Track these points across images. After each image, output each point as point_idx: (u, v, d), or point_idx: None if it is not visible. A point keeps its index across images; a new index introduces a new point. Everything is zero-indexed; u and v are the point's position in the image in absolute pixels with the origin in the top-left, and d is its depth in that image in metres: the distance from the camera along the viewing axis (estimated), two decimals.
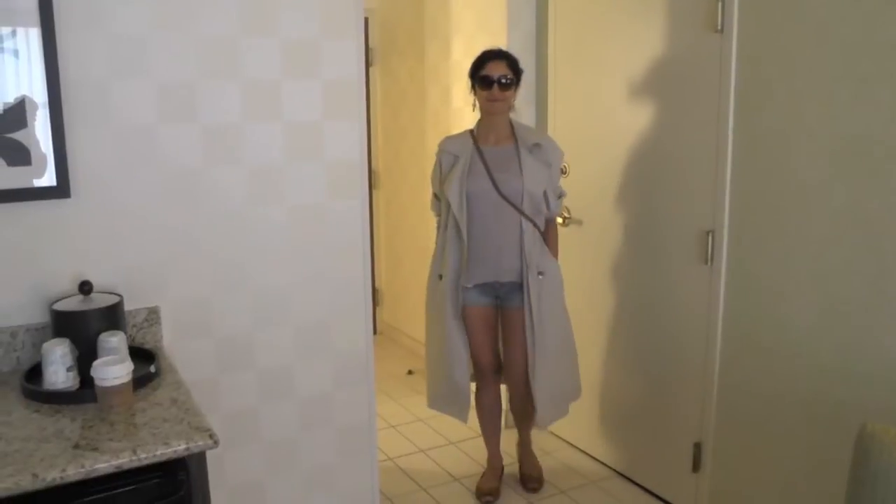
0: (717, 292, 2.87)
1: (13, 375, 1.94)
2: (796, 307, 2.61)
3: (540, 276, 2.98)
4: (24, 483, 1.44)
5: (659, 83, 3.06)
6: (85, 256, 2.05)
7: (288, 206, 2.33)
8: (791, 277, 2.61)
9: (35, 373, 1.90)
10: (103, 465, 1.51)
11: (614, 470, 3.50)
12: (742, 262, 2.79)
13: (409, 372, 4.77)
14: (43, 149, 1.95)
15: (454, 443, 3.82)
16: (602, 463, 3.57)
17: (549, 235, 3.11)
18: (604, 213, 3.39)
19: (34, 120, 1.94)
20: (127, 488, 1.57)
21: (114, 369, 1.70)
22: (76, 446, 1.56)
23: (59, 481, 1.47)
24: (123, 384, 1.72)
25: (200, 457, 1.66)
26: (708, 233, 2.88)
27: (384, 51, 5.12)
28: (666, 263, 3.09)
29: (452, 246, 2.99)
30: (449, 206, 2.97)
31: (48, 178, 1.97)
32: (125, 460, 1.53)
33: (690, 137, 2.94)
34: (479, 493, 3.25)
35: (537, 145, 2.95)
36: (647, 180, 3.16)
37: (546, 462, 3.55)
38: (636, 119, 3.18)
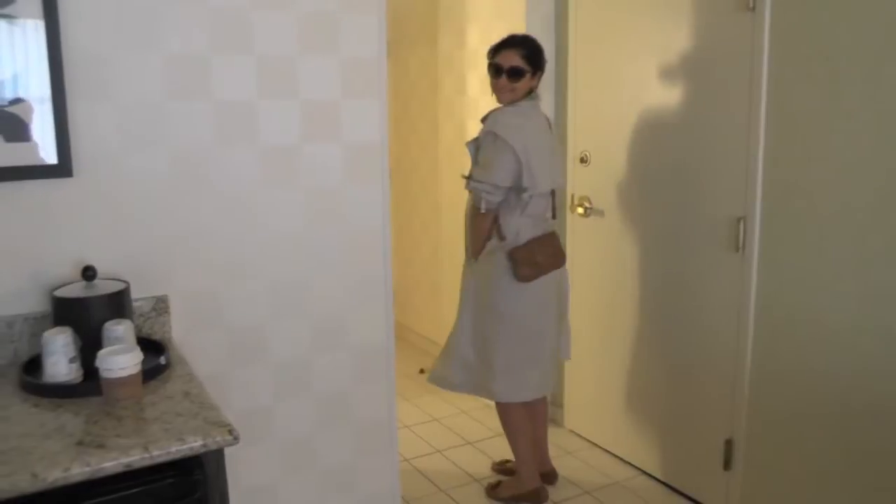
0: (749, 281, 2.74)
1: (10, 368, 1.80)
2: (834, 296, 2.47)
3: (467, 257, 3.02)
4: (23, 484, 1.30)
5: (687, 65, 2.93)
6: (87, 240, 1.91)
7: (304, 190, 2.19)
8: (829, 265, 2.48)
9: (34, 365, 1.76)
10: (111, 463, 1.37)
11: (640, 469, 3.36)
12: (775, 249, 2.65)
13: (421, 371, 4.63)
14: (43, 124, 1.81)
15: (471, 442, 3.68)
16: (627, 462, 3.43)
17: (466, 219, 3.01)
18: (628, 202, 3.25)
19: (34, 93, 1.79)
20: (137, 489, 1.43)
21: (121, 359, 1.56)
22: (80, 443, 1.42)
23: (61, 482, 1.33)
24: (131, 376, 1.58)
25: (218, 454, 1.52)
26: (739, 220, 2.75)
27: (393, 40, 4.98)
28: (695, 252, 2.96)
29: None
30: None
31: (49, 156, 1.82)
32: (136, 458, 1.39)
33: (720, 121, 2.80)
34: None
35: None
36: (674, 167, 3.02)
37: (568, 462, 3.41)
38: (663, 103, 3.04)
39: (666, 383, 3.16)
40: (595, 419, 3.56)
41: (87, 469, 1.35)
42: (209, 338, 2.11)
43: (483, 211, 2.82)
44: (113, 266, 1.93)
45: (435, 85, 4.46)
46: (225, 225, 2.09)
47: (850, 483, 2.47)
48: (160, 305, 2.01)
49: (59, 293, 1.78)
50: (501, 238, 2.86)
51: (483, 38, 3.91)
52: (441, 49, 4.35)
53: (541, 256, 2.85)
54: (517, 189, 2.80)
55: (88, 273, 1.80)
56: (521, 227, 2.86)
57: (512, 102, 2.85)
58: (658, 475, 3.26)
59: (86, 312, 1.75)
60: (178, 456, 1.43)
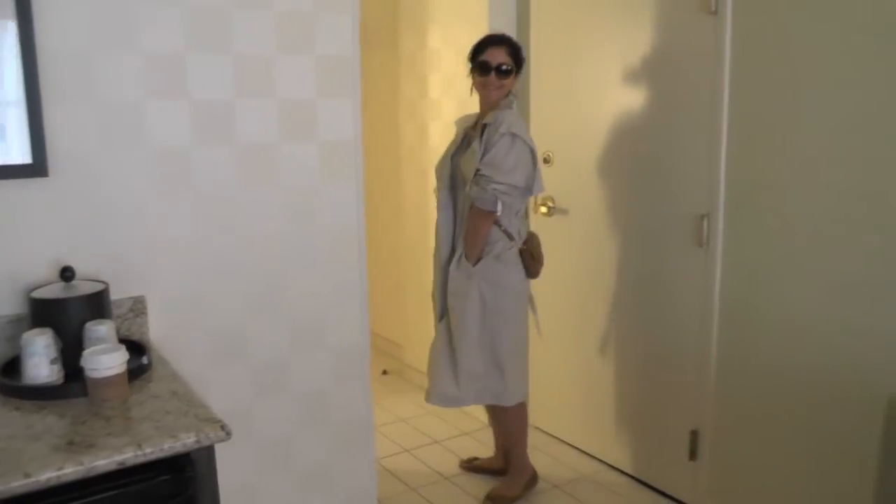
0: (713, 276, 2.82)
1: None
2: (797, 287, 2.56)
3: (458, 255, 2.93)
4: (16, 484, 1.28)
5: (650, 67, 3.00)
6: (63, 241, 1.88)
7: (281, 189, 2.19)
8: (791, 258, 2.57)
9: (10, 368, 1.73)
10: (104, 461, 1.36)
11: (607, 464, 3.41)
12: (738, 244, 2.73)
13: (384, 372, 4.63)
14: (17, 123, 1.78)
15: (438, 441, 3.69)
16: (594, 457, 3.48)
17: (467, 218, 2.90)
18: (592, 200, 3.31)
19: (8, 93, 1.76)
20: (130, 488, 1.41)
21: (107, 358, 1.55)
22: (71, 443, 1.40)
23: (55, 481, 1.32)
24: (118, 375, 1.57)
25: (209, 451, 1.51)
26: (703, 216, 2.82)
27: None
28: (659, 249, 3.03)
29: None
30: None
31: (23, 155, 1.80)
32: (129, 456, 1.38)
33: (683, 121, 2.88)
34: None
35: (486, 125, 2.84)
36: (639, 165, 3.09)
37: (535, 458, 3.42)
38: (627, 104, 3.11)
39: (632, 378, 3.22)
40: (561, 416, 3.61)
41: (81, 468, 1.34)
42: (187, 338, 2.10)
43: (498, 213, 2.79)
44: (89, 267, 1.91)
45: (395, 87, 4.47)
46: (203, 225, 2.08)
47: (814, 470, 2.56)
48: (137, 306, 1.99)
49: (37, 294, 1.75)
50: (511, 239, 2.89)
51: (445, 40, 3.94)
52: (402, 51, 4.37)
53: (539, 253, 2.96)
54: (526, 191, 2.84)
55: (67, 274, 1.78)
56: (520, 228, 2.93)
57: (498, 101, 2.86)
58: (625, 469, 3.32)
59: (65, 314, 1.73)
60: (170, 453, 1.43)
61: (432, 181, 4.08)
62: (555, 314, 3.54)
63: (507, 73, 2.83)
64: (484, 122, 2.84)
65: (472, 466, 3.39)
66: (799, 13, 2.46)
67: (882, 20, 2.25)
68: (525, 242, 2.92)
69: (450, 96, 3.95)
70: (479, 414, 3.85)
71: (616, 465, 3.37)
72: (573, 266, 3.42)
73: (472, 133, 2.92)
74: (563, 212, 3.46)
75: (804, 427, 2.58)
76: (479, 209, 2.80)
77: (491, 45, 2.86)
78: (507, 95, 2.88)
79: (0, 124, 1.77)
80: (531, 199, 3.55)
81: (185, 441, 1.44)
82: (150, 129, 1.96)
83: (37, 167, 1.81)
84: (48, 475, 1.31)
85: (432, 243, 4.04)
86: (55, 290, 1.76)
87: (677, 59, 2.89)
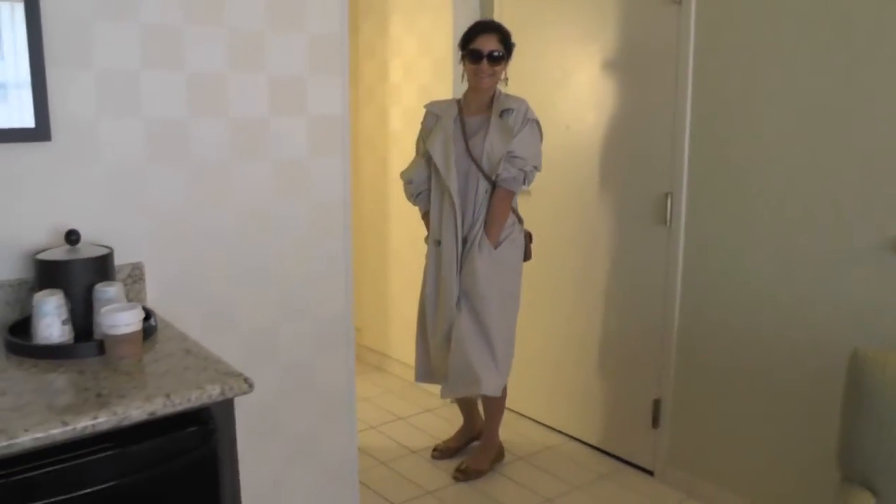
0: (676, 252, 2.97)
1: None
2: (755, 261, 2.73)
3: (479, 240, 2.96)
4: (55, 431, 1.31)
5: (615, 53, 3.13)
6: (64, 206, 1.89)
7: (271, 162, 2.23)
8: (750, 233, 2.73)
9: (17, 330, 1.73)
10: (136, 410, 1.39)
11: (569, 436, 3.54)
12: (701, 221, 2.89)
13: None
14: (21, 87, 1.78)
15: (402, 418, 3.77)
16: (556, 430, 3.61)
17: (492, 201, 2.97)
18: (557, 181, 3.42)
19: (12, 56, 1.76)
20: (156, 440, 1.45)
21: (124, 316, 1.57)
22: (99, 395, 1.43)
23: (90, 430, 1.35)
24: (134, 333, 1.60)
25: (228, 405, 1.56)
26: (666, 195, 2.97)
27: None
28: (624, 227, 3.17)
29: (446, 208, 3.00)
30: (433, 170, 3.01)
31: (26, 119, 1.80)
32: (158, 406, 1.42)
33: (648, 105, 3.02)
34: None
35: (508, 110, 2.94)
36: (604, 148, 3.22)
37: (500, 434, 3.55)
38: (592, 89, 3.24)
39: (595, 353, 3.36)
40: (525, 392, 3.71)
41: (115, 417, 1.37)
42: (180, 307, 2.11)
43: (528, 190, 3.00)
44: (89, 232, 1.92)
45: (355, 72, 4.51)
46: (197, 195, 2.11)
47: (771, 431, 2.73)
48: (136, 272, 2.01)
49: (44, 256, 1.75)
50: (521, 221, 3.05)
51: (407, 27, 4.01)
52: (362, 38, 4.41)
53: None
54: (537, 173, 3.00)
55: (73, 237, 1.79)
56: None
57: (492, 87, 2.96)
58: (588, 440, 3.46)
59: (72, 276, 1.74)
60: (197, 404, 1.47)
61: (391, 165, 4.15)
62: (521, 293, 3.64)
63: (498, 60, 2.92)
64: (506, 107, 2.92)
65: (446, 452, 3.39)
66: (759, 4, 2.62)
67: (835, 9, 2.42)
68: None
69: (410, 80, 4.02)
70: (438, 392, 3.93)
71: (579, 437, 3.50)
72: (537, 245, 3.53)
73: (473, 120, 2.98)
74: (526, 193, 3.56)
75: (762, 391, 2.75)
76: (507, 191, 2.94)
77: (481, 32, 2.94)
78: (499, 82, 2.98)
79: (3, 87, 1.77)
80: None
81: (210, 392, 1.48)
82: (147, 99, 1.98)
83: (40, 131, 1.81)
84: (84, 423, 1.34)
85: (390, 228, 4.09)
86: (61, 253, 1.77)
87: (642, 47, 3.03)
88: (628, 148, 3.12)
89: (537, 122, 2.97)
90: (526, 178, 2.95)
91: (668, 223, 2.98)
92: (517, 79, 3.15)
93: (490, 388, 3.02)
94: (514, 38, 3.00)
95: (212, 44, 2.07)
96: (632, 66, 3.08)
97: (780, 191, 2.63)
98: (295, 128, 2.26)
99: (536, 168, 2.97)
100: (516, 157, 2.89)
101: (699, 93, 2.84)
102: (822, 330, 2.56)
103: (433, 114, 3.08)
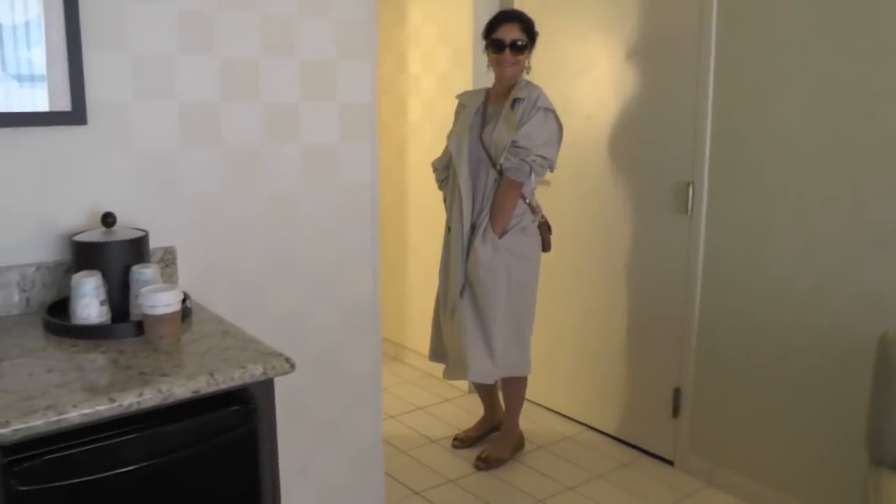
0: (697, 241, 2.97)
1: (26, 317, 1.78)
2: (776, 249, 2.73)
3: (484, 228, 2.97)
4: (102, 408, 1.32)
5: (637, 42, 3.13)
6: (99, 189, 1.90)
7: (301, 147, 2.24)
8: (771, 221, 2.73)
9: (55, 311, 1.74)
10: (180, 388, 1.40)
11: (587, 425, 3.55)
12: (722, 210, 2.89)
13: None
14: (57, 70, 1.79)
15: (421, 408, 3.78)
16: (574, 420, 3.61)
17: (497, 190, 2.96)
18: (579, 171, 3.43)
19: (49, 39, 1.77)
20: (198, 418, 1.46)
21: (165, 296, 1.58)
22: (142, 373, 1.44)
23: (136, 407, 1.36)
24: (174, 313, 1.61)
25: (268, 385, 1.57)
26: (688, 184, 2.97)
27: None
28: (645, 216, 3.17)
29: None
30: (450, 158, 3.04)
31: (62, 103, 1.81)
32: (202, 384, 1.43)
33: (669, 94, 3.02)
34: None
35: (519, 99, 2.94)
36: (624, 137, 3.22)
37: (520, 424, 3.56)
38: (613, 79, 3.24)
39: (615, 342, 3.36)
40: (544, 383, 3.72)
41: (160, 395, 1.38)
42: (211, 291, 2.12)
43: (532, 184, 2.94)
44: (124, 215, 1.92)
45: None
46: (229, 180, 2.12)
47: (793, 418, 2.73)
48: (168, 256, 2.02)
49: (80, 238, 1.77)
50: (535, 212, 3.02)
51: (426, 16, 4.01)
52: (379, 27, 4.39)
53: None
54: (551, 165, 2.97)
55: (109, 220, 1.80)
56: (537, 201, 3.05)
57: (515, 76, 2.96)
58: (607, 430, 3.46)
59: (108, 258, 1.75)
60: (239, 383, 1.48)
61: (409, 156, 4.16)
62: (539, 283, 3.64)
63: (521, 49, 2.93)
64: (517, 96, 2.91)
65: (466, 441, 3.39)
66: None
67: None
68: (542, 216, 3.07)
69: (429, 71, 4.02)
70: (457, 382, 3.95)
71: (598, 427, 3.51)
72: (558, 235, 3.53)
73: (493, 108, 3.00)
74: (545, 183, 3.56)
75: (784, 379, 2.75)
76: (511, 181, 2.90)
77: (504, 21, 2.95)
78: (523, 71, 2.98)
79: (40, 69, 1.77)
80: None
81: (252, 372, 1.49)
82: (181, 83, 1.99)
83: (76, 114, 1.82)
84: (130, 400, 1.35)
85: (408, 218, 4.11)
86: (97, 235, 1.78)
87: (664, 35, 3.03)
88: (649, 137, 3.12)
89: (551, 111, 2.92)
90: (532, 169, 2.87)
91: (689, 212, 2.98)
92: (538, 68, 3.15)
93: (478, 375, 3.05)
94: (536, 28, 3.00)
95: (244, 28, 2.08)
96: (653, 54, 3.08)
97: (803, 177, 2.63)
98: (325, 112, 2.27)
99: (545, 158, 2.89)
100: (519, 146, 2.86)
101: (721, 80, 2.83)
102: (845, 316, 2.56)
103: (461, 103, 3.13)
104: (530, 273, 3.06)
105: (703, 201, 2.94)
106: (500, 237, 2.95)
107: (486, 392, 3.40)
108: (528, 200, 2.99)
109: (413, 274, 4.28)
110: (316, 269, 2.34)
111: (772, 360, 2.78)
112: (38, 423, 1.25)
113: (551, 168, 2.98)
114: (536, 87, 2.95)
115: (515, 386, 3.21)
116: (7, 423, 1.22)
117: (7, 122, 1.75)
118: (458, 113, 3.15)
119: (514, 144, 2.86)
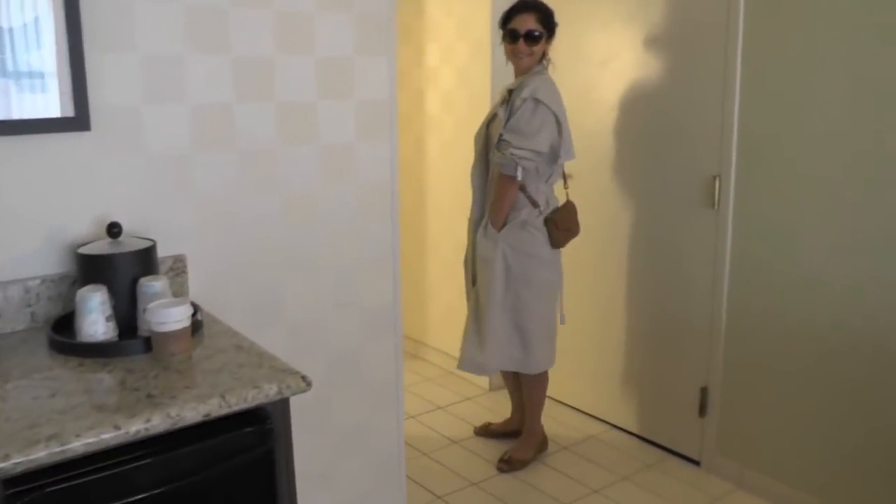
0: (724, 236, 2.87)
1: (31, 333, 1.71)
2: (808, 245, 2.62)
3: (485, 221, 2.96)
4: (107, 436, 1.25)
5: (662, 32, 3.02)
6: (104, 197, 1.82)
7: (318, 147, 2.16)
8: (802, 218, 2.62)
9: (60, 326, 1.68)
10: (190, 413, 1.33)
11: (611, 424, 3.47)
12: (750, 204, 2.78)
13: None
14: (59, 75, 1.72)
15: (442, 407, 3.71)
16: (598, 419, 3.53)
17: (493, 188, 2.92)
18: (602, 164, 3.33)
19: (50, 43, 1.70)
20: (211, 441, 1.39)
21: (174, 311, 1.51)
22: (150, 396, 1.37)
23: (143, 433, 1.29)
24: (184, 329, 1.54)
25: (284, 404, 1.49)
26: (715, 177, 2.87)
27: None
28: (671, 210, 3.07)
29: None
30: None
31: (65, 108, 1.73)
32: (213, 406, 1.36)
33: (695, 85, 2.91)
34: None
35: (514, 91, 2.86)
36: (650, 129, 3.12)
37: (543, 423, 3.48)
38: (638, 70, 3.13)
39: (642, 339, 3.27)
40: (567, 381, 3.63)
41: (169, 420, 1.31)
42: (225, 298, 2.05)
43: (519, 179, 2.79)
44: (130, 223, 1.85)
45: None
46: (242, 183, 2.04)
47: (825, 419, 2.64)
48: (178, 265, 1.94)
49: (85, 250, 1.70)
50: (535, 206, 2.88)
51: (445, 10, 3.90)
52: (398, 65, 4.29)
53: (571, 223, 2.94)
54: (552, 157, 2.83)
55: (114, 230, 1.73)
56: (548, 196, 2.92)
57: (530, 68, 2.87)
58: (631, 429, 3.38)
59: (115, 270, 1.68)
60: (253, 404, 1.41)
61: (428, 150, 4.09)
62: (565, 280, 3.55)
63: (536, 40, 2.83)
64: (511, 87, 2.85)
65: (487, 432, 3.39)
66: None
67: None
68: (556, 211, 2.92)
69: (447, 64, 3.93)
70: (478, 380, 3.88)
71: (621, 426, 3.42)
72: (583, 230, 3.44)
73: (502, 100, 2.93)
74: (568, 176, 3.46)
75: (815, 379, 2.65)
76: (504, 175, 2.82)
77: (520, 11, 2.85)
78: (540, 61, 2.88)
79: (41, 76, 1.70)
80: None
81: (267, 392, 1.42)
82: (192, 84, 1.91)
83: (79, 121, 1.75)
84: (136, 427, 1.28)
85: (427, 214, 4.07)
86: (103, 247, 1.71)
87: (690, 23, 2.91)
88: (674, 129, 3.01)
89: (541, 102, 2.77)
90: (518, 164, 2.76)
91: (716, 206, 2.88)
92: (559, 59, 3.04)
93: (468, 365, 3.02)
94: (558, 15, 2.90)
95: (258, 25, 2.00)
96: (679, 44, 2.97)
97: (837, 174, 2.52)
98: (342, 111, 2.18)
99: (533, 150, 2.75)
100: (503, 140, 2.80)
101: (749, 70, 2.72)
102: (881, 315, 2.46)
103: (500, 93, 3.06)
104: (535, 271, 2.92)
105: (731, 195, 2.83)
106: (499, 230, 2.89)
107: (513, 389, 3.32)
108: (528, 194, 2.86)
109: (433, 269, 4.20)
110: (335, 272, 2.26)
111: (804, 360, 2.68)
112: (41, 454, 1.18)
113: (558, 159, 2.85)
114: (542, 78, 2.84)
115: (533, 386, 3.13)
116: (7, 457, 1.15)
117: (8, 130, 1.68)
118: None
119: (500, 138, 2.81)
